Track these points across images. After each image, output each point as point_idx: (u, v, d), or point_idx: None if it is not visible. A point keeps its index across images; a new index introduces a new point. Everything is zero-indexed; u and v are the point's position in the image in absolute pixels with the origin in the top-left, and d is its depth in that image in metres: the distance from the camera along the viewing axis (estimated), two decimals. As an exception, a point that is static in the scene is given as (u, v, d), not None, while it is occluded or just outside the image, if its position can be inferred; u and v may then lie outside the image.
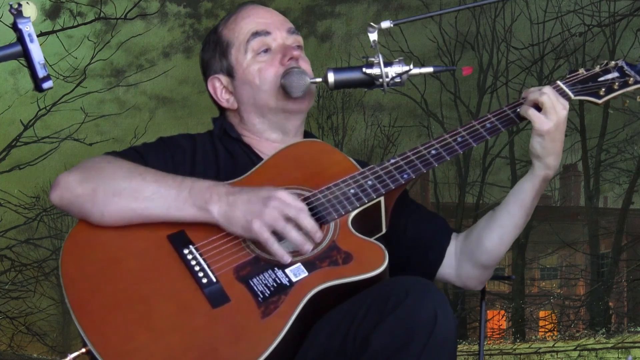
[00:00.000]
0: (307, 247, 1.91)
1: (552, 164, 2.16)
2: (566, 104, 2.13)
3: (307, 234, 1.92)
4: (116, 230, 2.01)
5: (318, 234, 1.93)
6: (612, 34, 15.68)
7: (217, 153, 2.28)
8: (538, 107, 2.12)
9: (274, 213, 1.90)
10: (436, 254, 2.30)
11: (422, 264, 2.28)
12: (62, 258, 1.97)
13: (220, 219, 1.95)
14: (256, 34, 2.30)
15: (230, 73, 2.34)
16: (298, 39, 2.35)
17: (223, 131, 2.34)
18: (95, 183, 2.02)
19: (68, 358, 1.84)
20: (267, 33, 2.30)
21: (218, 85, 2.36)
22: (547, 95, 2.11)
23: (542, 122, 2.10)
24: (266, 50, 2.30)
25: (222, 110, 2.41)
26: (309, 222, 1.92)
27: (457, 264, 2.30)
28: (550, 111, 2.09)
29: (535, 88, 2.16)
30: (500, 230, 2.24)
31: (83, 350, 1.83)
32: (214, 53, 2.37)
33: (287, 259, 1.90)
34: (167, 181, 2.02)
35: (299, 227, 1.91)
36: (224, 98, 2.36)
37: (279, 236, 1.92)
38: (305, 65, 2.29)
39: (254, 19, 2.33)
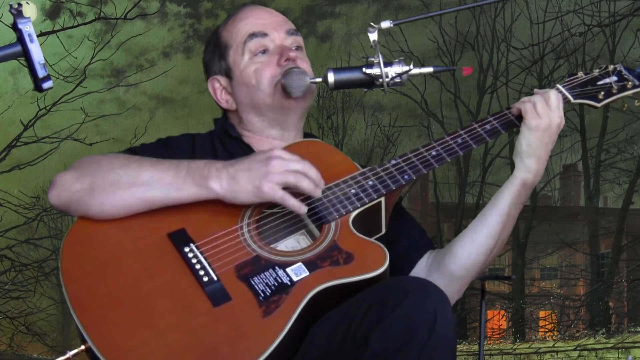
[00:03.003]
0: (318, 192, 1.99)
1: (533, 167, 2.14)
2: (562, 113, 2.15)
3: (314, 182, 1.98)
4: (116, 228, 2.01)
5: (322, 182, 2.00)
6: (612, 34, 15.69)
7: (216, 153, 2.29)
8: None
9: (279, 170, 1.94)
10: (407, 265, 2.25)
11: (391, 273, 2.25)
12: (61, 255, 1.96)
13: (223, 193, 1.96)
14: (253, 35, 2.30)
15: (228, 74, 2.34)
16: (298, 40, 2.35)
17: (224, 131, 2.35)
18: (92, 176, 2.02)
19: (67, 355, 1.83)
20: (264, 34, 2.30)
21: (217, 87, 2.37)
22: (553, 97, 2.14)
23: (534, 116, 2.12)
24: (264, 52, 2.30)
25: (224, 110, 2.42)
26: (314, 172, 1.98)
27: (426, 274, 2.22)
28: (545, 111, 2.12)
29: (542, 90, 2.19)
30: (472, 235, 2.18)
31: (83, 347, 1.83)
32: (213, 55, 2.38)
33: (305, 208, 1.96)
34: (163, 164, 2.02)
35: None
36: (224, 99, 2.37)
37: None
38: (304, 65, 2.29)
39: (252, 20, 2.33)
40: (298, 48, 2.34)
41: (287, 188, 1.96)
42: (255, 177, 1.94)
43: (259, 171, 1.94)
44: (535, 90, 2.21)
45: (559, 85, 2.26)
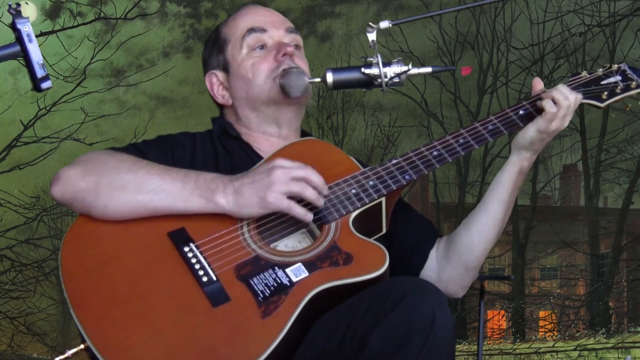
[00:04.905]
0: (321, 201, 1.98)
1: (531, 158, 2.20)
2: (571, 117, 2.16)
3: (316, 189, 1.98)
4: (117, 226, 2.00)
5: (326, 189, 2.00)
6: (612, 34, 15.67)
7: (216, 152, 2.29)
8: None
9: (283, 179, 1.94)
10: (419, 257, 2.29)
11: (405, 266, 2.27)
12: (62, 253, 1.96)
13: (230, 207, 1.96)
14: (252, 30, 2.32)
15: (225, 68, 2.36)
16: (297, 39, 2.37)
17: (222, 130, 2.35)
18: (98, 176, 2.01)
19: (67, 354, 1.83)
20: (263, 30, 2.33)
21: (215, 81, 2.38)
22: (573, 100, 2.14)
23: (553, 120, 2.12)
24: (262, 47, 2.32)
25: (221, 107, 2.42)
26: (317, 178, 1.98)
27: (439, 266, 2.28)
28: (559, 116, 2.12)
29: (559, 91, 2.16)
30: (479, 227, 2.22)
31: (82, 346, 1.83)
32: (212, 50, 2.40)
33: (310, 216, 1.96)
34: (171, 174, 2.02)
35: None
36: (220, 94, 2.38)
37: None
38: (302, 64, 2.30)
39: (252, 16, 2.36)
40: (297, 47, 2.35)
41: (292, 197, 1.96)
42: (259, 189, 1.94)
43: (263, 182, 1.94)
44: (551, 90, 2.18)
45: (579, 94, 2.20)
